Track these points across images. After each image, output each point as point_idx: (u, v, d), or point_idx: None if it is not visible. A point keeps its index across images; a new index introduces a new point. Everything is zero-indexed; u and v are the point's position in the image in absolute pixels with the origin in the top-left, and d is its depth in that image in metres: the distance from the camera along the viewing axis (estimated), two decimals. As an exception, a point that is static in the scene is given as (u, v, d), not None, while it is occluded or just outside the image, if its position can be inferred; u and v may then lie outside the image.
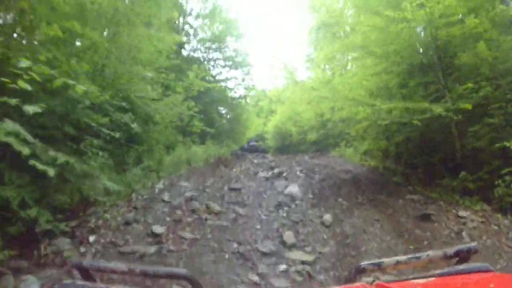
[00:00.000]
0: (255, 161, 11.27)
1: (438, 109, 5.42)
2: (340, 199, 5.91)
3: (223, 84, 16.36)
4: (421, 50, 6.79)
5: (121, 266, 0.88)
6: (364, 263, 0.89)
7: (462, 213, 5.01)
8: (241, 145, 20.98)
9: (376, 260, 0.89)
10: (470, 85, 5.43)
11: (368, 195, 6.17)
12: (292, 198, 5.83)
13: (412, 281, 0.83)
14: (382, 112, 6.52)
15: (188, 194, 5.67)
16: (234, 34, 16.02)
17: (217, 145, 12.90)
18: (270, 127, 23.88)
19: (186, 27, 14.42)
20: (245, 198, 5.83)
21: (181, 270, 0.90)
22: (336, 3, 14.81)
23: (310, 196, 6.08)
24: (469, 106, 5.21)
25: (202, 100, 12.62)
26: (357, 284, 0.85)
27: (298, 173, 8.16)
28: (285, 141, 20.82)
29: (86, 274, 0.90)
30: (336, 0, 14.89)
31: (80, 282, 0.86)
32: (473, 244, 0.91)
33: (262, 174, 8.11)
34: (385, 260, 0.89)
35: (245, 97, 18.90)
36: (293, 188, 6.28)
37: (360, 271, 0.89)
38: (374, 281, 0.83)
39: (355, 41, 7.58)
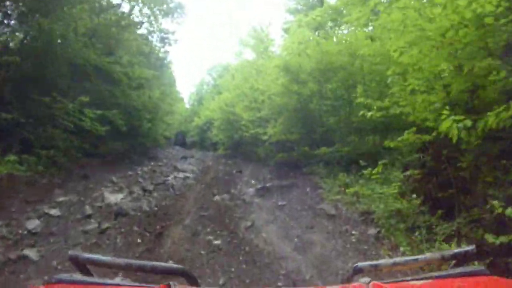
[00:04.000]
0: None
1: None
2: None
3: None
4: None
5: (119, 261, 0.89)
6: (361, 263, 0.87)
7: None
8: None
9: (373, 261, 0.87)
10: None
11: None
12: None
13: (409, 282, 0.82)
14: None
15: None
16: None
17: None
18: (216, 110, 14.92)
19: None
20: None
21: (178, 266, 0.90)
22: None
23: None
24: None
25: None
26: (354, 284, 0.82)
27: None
28: (235, 134, 12.08)
29: (83, 268, 0.88)
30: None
31: (76, 276, 0.85)
32: (471, 247, 0.88)
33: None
34: (382, 261, 0.88)
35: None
36: None
37: (357, 271, 0.87)
38: (370, 281, 0.78)
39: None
